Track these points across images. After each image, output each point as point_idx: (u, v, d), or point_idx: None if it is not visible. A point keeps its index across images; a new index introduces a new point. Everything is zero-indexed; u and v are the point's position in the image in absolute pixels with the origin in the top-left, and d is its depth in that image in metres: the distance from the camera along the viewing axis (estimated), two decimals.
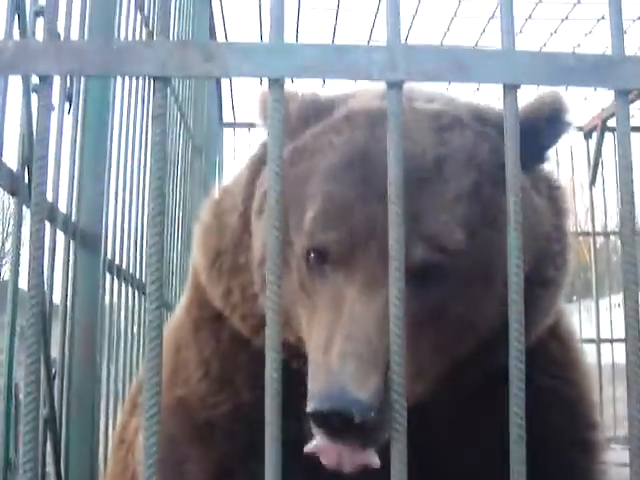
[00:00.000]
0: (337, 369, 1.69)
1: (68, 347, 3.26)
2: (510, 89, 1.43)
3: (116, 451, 2.98)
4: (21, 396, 2.69)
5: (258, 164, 2.21)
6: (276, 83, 1.42)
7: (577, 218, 13.65)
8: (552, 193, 2.12)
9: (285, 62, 1.42)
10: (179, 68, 1.44)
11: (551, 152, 2.13)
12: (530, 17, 7.44)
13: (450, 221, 1.86)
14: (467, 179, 1.92)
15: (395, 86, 1.41)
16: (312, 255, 1.93)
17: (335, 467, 1.73)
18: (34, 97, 2.63)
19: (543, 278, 2.05)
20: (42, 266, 1.47)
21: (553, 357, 2.28)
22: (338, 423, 1.63)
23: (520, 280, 1.43)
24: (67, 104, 3.23)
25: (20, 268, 2.56)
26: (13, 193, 2.56)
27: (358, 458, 1.72)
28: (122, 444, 2.90)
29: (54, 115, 3.03)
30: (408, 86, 2.10)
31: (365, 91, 2.19)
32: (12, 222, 2.60)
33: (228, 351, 2.26)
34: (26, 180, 2.61)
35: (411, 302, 1.76)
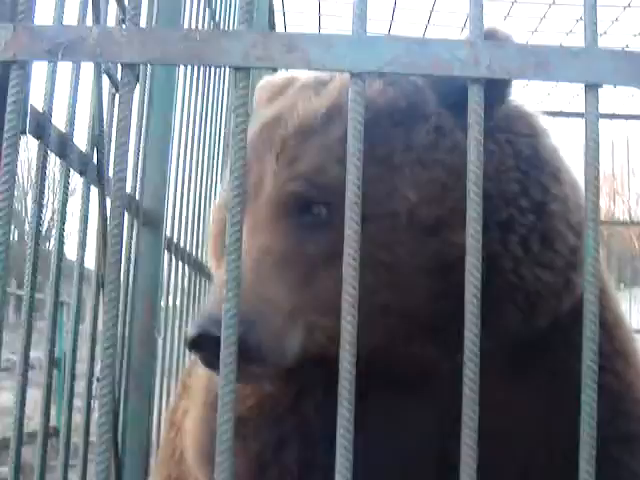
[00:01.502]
0: (208, 303, 1.83)
1: (129, 324, 3.31)
2: (591, 88, 1.43)
3: (166, 433, 3.02)
4: (64, 364, 2.71)
5: None
6: (358, 77, 1.43)
7: (629, 206, 13.52)
8: (508, 135, 2.00)
9: (367, 55, 1.43)
10: (261, 59, 1.46)
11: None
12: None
13: (327, 159, 1.89)
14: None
15: (477, 82, 1.41)
16: None
17: None
18: (104, 78, 2.67)
19: (497, 220, 1.91)
20: (121, 254, 1.49)
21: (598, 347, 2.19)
22: (207, 347, 1.73)
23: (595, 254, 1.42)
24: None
25: (76, 245, 2.60)
26: (82, 173, 2.60)
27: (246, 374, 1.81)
28: (173, 426, 2.94)
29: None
30: None
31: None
32: (80, 205, 2.62)
33: None
34: (94, 160, 2.64)
35: (303, 242, 1.89)
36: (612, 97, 9.97)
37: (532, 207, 1.95)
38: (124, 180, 1.50)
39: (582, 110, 1.44)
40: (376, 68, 1.43)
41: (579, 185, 2.12)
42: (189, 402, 2.64)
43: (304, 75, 2.26)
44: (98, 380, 1.56)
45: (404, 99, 1.97)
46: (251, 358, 1.77)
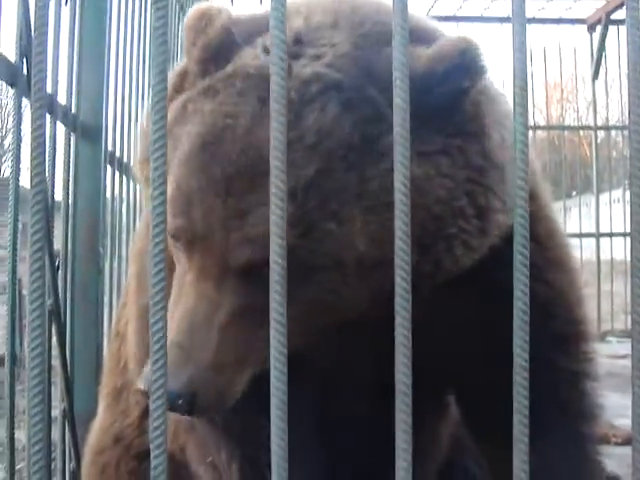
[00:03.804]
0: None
1: (71, 240, 3.27)
2: None
3: (111, 344, 3.01)
4: (24, 291, 2.70)
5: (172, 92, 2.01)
6: (278, 2, 1.36)
7: (579, 113, 13.55)
8: (460, 145, 1.91)
9: None
10: None
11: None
12: None
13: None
14: (309, 169, 1.77)
15: None
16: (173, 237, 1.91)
17: None
18: None
19: (442, 235, 1.91)
20: (44, 157, 1.45)
21: (529, 260, 2.19)
22: None
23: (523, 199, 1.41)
24: None
25: (21, 164, 2.54)
26: (12, 84, 2.53)
27: None
28: (117, 336, 2.92)
29: (51, 5, 2.98)
30: (307, 37, 1.91)
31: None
32: (12, 117, 2.56)
33: None
34: (25, 71, 2.57)
35: (248, 296, 1.81)
36: (558, 3, 9.92)
37: (477, 213, 1.93)
38: (44, 80, 1.44)
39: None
40: None
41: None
42: (129, 310, 2.64)
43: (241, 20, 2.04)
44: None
45: (360, 132, 1.81)
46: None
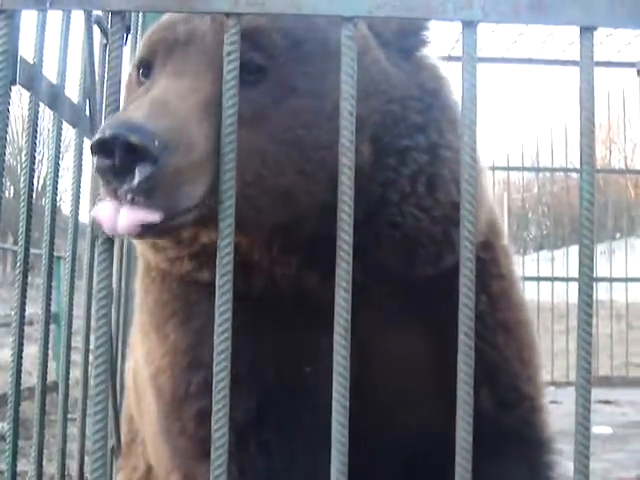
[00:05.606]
0: (128, 112, 1.64)
1: (125, 276, 3.32)
2: (586, 31, 1.41)
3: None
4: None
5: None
6: (349, 21, 1.42)
7: (625, 155, 13.49)
8: (417, 71, 2.06)
9: (359, 0, 1.41)
10: (251, 4, 1.44)
11: None
12: None
13: (267, 24, 1.87)
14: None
15: (470, 26, 1.39)
16: (141, 70, 2.01)
17: (111, 228, 1.57)
18: (95, 29, 2.65)
19: (397, 146, 1.97)
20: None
21: (480, 317, 2.05)
22: (116, 149, 1.51)
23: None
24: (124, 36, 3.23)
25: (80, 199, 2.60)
26: (74, 125, 2.59)
27: (136, 214, 1.57)
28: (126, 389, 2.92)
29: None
30: None
31: None
32: (73, 155, 2.61)
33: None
34: (87, 112, 2.63)
35: None
36: (608, 46, 9.92)
37: (427, 146, 1.99)
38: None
39: (577, 57, 1.42)
40: (367, 12, 1.41)
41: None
42: (130, 362, 2.67)
43: None
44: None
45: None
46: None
